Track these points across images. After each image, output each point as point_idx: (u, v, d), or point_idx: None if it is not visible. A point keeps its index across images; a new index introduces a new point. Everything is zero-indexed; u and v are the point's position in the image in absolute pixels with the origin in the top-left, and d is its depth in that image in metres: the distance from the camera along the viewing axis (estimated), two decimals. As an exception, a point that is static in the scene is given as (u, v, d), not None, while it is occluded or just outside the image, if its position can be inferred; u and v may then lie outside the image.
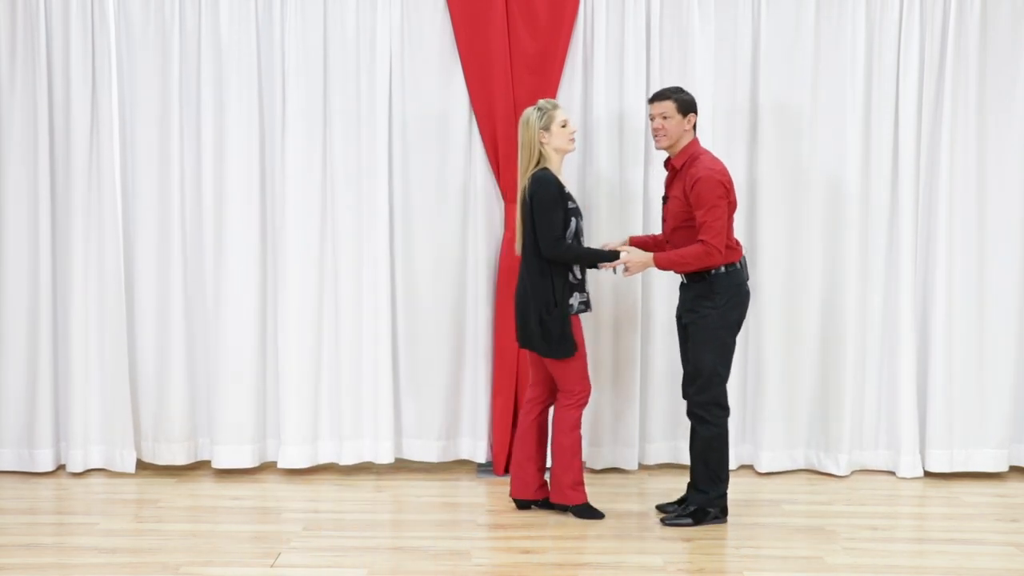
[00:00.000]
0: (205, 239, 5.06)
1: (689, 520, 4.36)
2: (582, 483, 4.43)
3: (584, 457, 5.14)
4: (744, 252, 4.39)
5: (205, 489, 4.88)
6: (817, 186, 5.09)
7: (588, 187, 5.08)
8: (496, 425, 5.09)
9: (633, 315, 5.08)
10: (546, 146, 4.34)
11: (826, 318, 5.13)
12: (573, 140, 4.42)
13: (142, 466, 5.16)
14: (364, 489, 4.87)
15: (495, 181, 5.08)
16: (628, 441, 5.13)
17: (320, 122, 5.06)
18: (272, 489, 4.89)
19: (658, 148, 4.40)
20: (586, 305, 4.40)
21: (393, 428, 5.13)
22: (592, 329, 5.05)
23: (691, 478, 4.42)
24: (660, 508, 4.54)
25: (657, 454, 5.22)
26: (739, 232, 5.01)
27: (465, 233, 5.13)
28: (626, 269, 4.38)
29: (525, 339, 4.36)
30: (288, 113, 5.01)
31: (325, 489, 4.86)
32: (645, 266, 4.34)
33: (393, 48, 5.04)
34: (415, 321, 5.13)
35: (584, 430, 5.10)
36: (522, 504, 4.54)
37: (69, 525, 4.35)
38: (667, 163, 4.42)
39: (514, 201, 5.04)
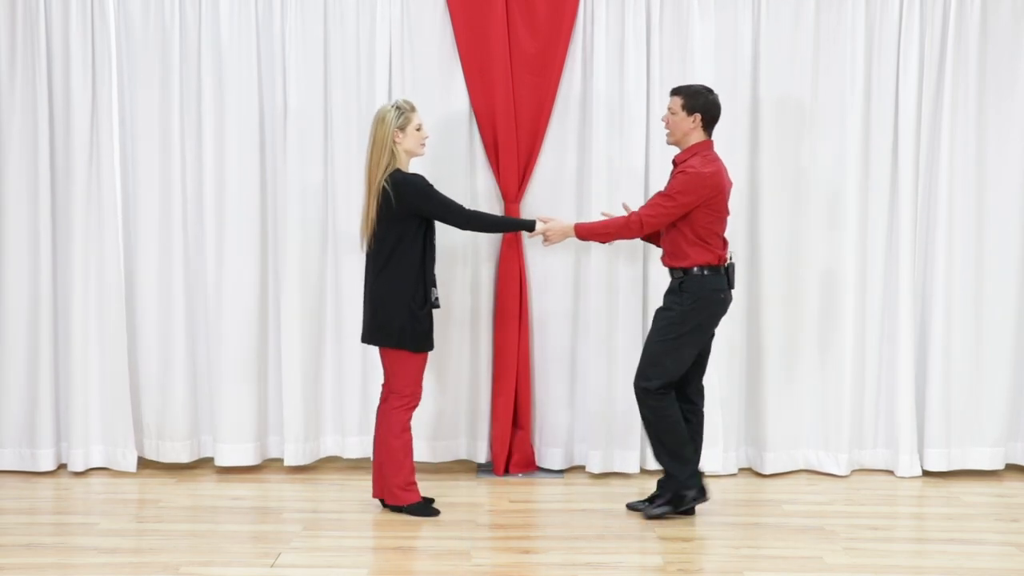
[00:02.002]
0: (206, 238, 5.06)
1: (668, 507, 4.38)
2: (414, 482, 4.42)
3: (583, 461, 5.15)
4: (732, 261, 4.38)
5: (206, 489, 4.88)
6: (817, 185, 5.09)
7: (588, 187, 5.07)
8: (496, 425, 5.09)
9: (638, 321, 5.08)
10: (398, 146, 4.30)
11: (825, 317, 5.13)
12: (424, 145, 4.40)
13: (144, 464, 5.16)
14: (364, 489, 4.87)
15: (495, 181, 5.08)
16: (630, 445, 5.11)
17: (320, 122, 5.06)
18: (273, 489, 4.90)
19: (666, 143, 4.44)
20: (437, 300, 4.42)
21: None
22: (604, 332, 5.06)
23: (659, 464, 4.45)
24: (630, 507, 4.53)
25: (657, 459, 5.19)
26: (738, 231, 5.02)
27: (465, 232, 5.12)
28: (546, 239, 4.45)
29: (381, 335, 4.30)
30: (288, 113, 5.01)
31: (326, 488, 4.86)
32: (565, 235, 4.44)
33: (393, 48, 5.04)
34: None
35: (586, 433, 5.12)
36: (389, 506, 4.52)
37: (69, 525, 4.35)
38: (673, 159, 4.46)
39: (515, 200, 5.05)
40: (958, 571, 3.86)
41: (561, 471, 5.18)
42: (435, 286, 4.40)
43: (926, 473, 5.16)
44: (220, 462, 5.08)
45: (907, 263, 5.08)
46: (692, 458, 4.38)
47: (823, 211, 5.10)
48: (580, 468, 5.19)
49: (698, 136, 4.34)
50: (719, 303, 4.34)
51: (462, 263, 5.14)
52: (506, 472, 5.09)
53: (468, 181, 5.10)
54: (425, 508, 4.45)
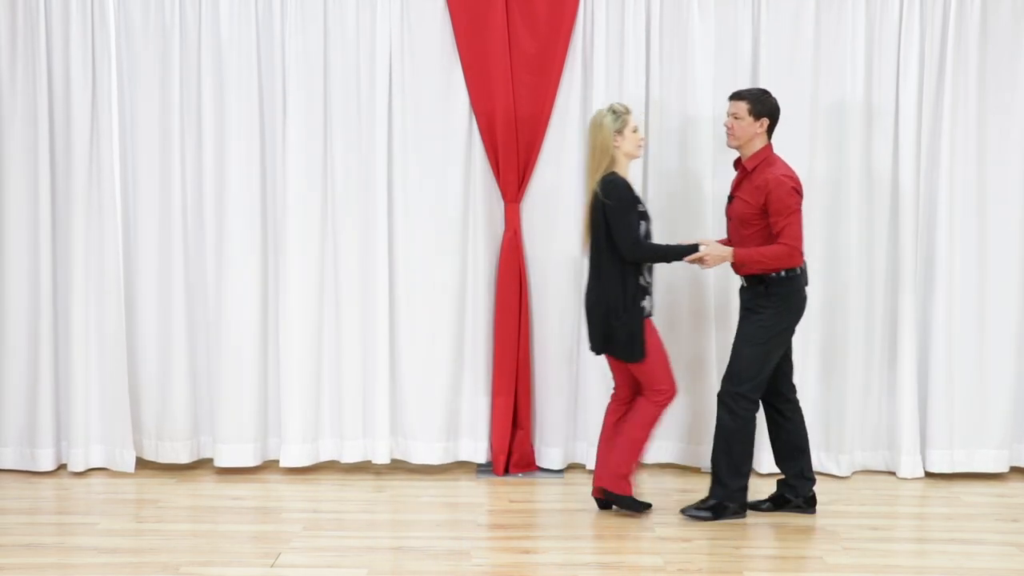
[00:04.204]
0: (206, 238, 5.07)
1: (708, 514, 4.39)
2: (628, 476, 4.40)
3: (585, 460, 5.14)
4: (805, 259, 4.41)
5: (205, 489, 4.88)
6: (817, 186, 5.08)
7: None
8: (496, 425, 5.09)
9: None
10: (618, 150, 4.32)
11: (827, 318, 5.12)
12: (641, 147, 4.41)
13: (144, 465, 5.16)
14: (364, 489, 4.88)
15: (495, 181, 5.08)
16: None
17: (320, 122, 5.06)
18: (272, 489, 4.90)
19: (728, 146, 4.46)
20: (651, 308, 4.40)
21: (392, 428, 5.14)
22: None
23: (712, 469, 4.43)
24: (685, 512, 4.50)
25: (657, 454, 5.19)
26: (739, 232, 5.02)
27: (465, 233, 5.13)
28: (704, 262, 4.38)
29: (601, 345, 4.35)
30: (288, 113, 5.01)
31: (325, 489, 4.86)
32: (723, 259, 4.38)
33: (393, 48, 5.04)
34: (415, 321, 5.13)
35: (586, 432, 5.11)
36: (604, 504, 4.52)
37: (69, 525, 4.35)
38: (737, 163, 4.46)
39: (515, 200, 5.05)
40: (958, 571, 3.86)
41: (561, 471, 5.18)
42: (650, 294, 4.34)
43: (928, 475, 5.16)
44: (220, 463, 5.07)
45: (908, 262, 5.07)
46: (748, 475, 4.40)
47: (825, 210, 5.09)
48: (580, 468, 5.19)
49: (762, 140, 4.36)
50: (803, 300, 4.39)
51: (462, 263, 5.14)
52: (506, 472, 5.09)
53: (468, 181, 5.10)
54: (633, 502, 4.41)
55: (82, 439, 5.08)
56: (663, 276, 4.92)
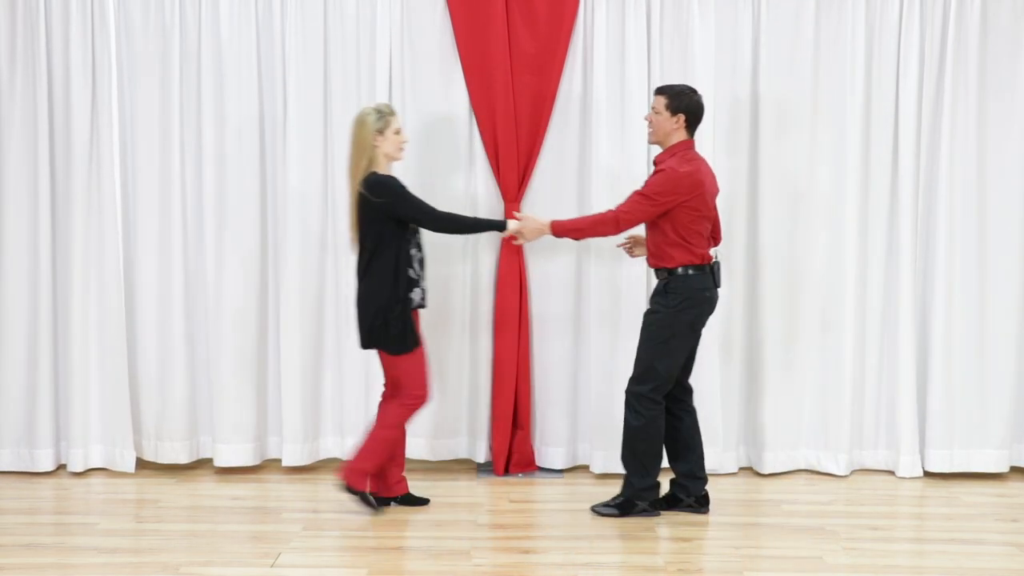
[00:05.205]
0: (205, 237, 5.06)
1: (616, 511, 4.42)
2: (373, 474, 4.42)
3: (587, 460, 5.15)
4: (716, 259, 4.38)
5: (205, 489, 4.88)
6: (817, 185, 5.09)
7: (589, 187, 5.07)
8: (496, 425, 5.09)
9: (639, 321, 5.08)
10: (378, 150, 4.31)
11: (826, 317, 5.13)
12: (403, 150, 4.40)
13: (143, 465, 5.16)
14: (364, 489, 4.88)
15: (495, 181, 5.08)
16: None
17: (320, 121, 5.06)
18: (272, 489, 4.89)
19: (648, 142, 4.48)
20: (423, 300, 4.40)
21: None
22: (605, 332, 5.06)
23: (623, 467, 4.46)
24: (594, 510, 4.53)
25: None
26: (739, 231, 5.02)
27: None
28: (519, 237, 4.45)
29: (370, 339, 4.33)
30: (288, 113, 5.01)
31: (325, 488, 4.86)
32: (540, 233, 4.42)
33: (393, 48, 5.04)
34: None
35: (586, 433, 5.12)
36: (382, 501, 4.54)
37: (69, 525, 4.35)
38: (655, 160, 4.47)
39: (515, 200, 5.04)
40: (958, 571, 3.86)
41: (561, 471, 5.18)
42: (419, 286, 4.38)
43: (927, 474, 5.16)
44: (219, 462, 5.07)
45: (908, 262, 5.08)
46: (656, 473, 4.41)
47: (823, 211, 5.10)
48: (580, 468, 5.19)
49: (680, 136, 4.34)
50: (705, 302, 4.34)
51: (462, 263, 5.14)
52: (506, 472, 5.09)
53: (468, 181, 5.11)
54: (365, 498, 4.41)
55: (82, 439, 5.08)
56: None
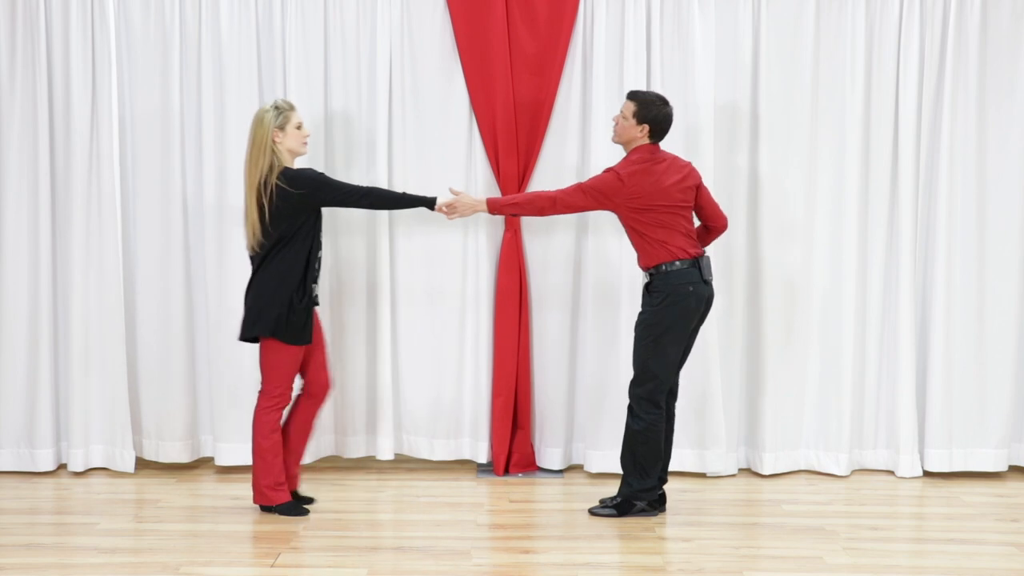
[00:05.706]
0: (206, 238, 5.06)
1: (613, 511, 4.42)
2: (284, 482, 4.40)
3: (581, 460, 5.15)
4: (702, 254, 4.36)
5: (205, 488, 4.88)
6: (817, 185, 5.09)
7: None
8: (496, 426, 5.09)
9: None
10: (279, 146, 4.29)
11: (826, 318, 5.13)
12: (306, 144, 4.39)
13: (143, 465, 5.16)
14: (364, 488, 4.88)
15: (496, 181, 5.08)
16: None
17: (321, 121, 5.06)
18: (272, 489, 4.90)
19: (612, 141, 4.49)
20: (317, 298, 4.40)
21: (394, 425, 5.15)
22: (605, 332, 5.06)
23: (622, 468, 4.46)
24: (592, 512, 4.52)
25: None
26: (739, 229, 5.02)
27: (466, 232, 5.13)
28: (451, 211, 4.46)
29: (257, 327, 4.27)
30: (288, 113, 5.02)
31: (326, 488, 4.86)
32: (474, 209, 4.46)
33: (393, 48, 5.04)
34: (415, 319, 5.13)
35: (586, 433, 5.12)
36: (303, 500, 4.54)
37: (69, 525, 4.35)
38: None
39: (514, 201, 5.05)
40: (958, 571, 3.86)
41: (561, 471, 5.18)
42: (316, 283, 4.36)
43: (927, 474, 5.16)
44: (220, 462, 5.08)
45: (907, 262, 5.08)
46: (655, 474, 4.41)
47: (823, 211, 5.10)
48: (580, 468, 5.19)
49: (640, 143, 4.35)
50: (689, 296, 4.30)
51: (463, 263, 5.14)
52: (506, 472, 5.09)
53: (468, 181, 5.11)
54: (294, 507, 4.41)
55: (82, 439, 5.08)
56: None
